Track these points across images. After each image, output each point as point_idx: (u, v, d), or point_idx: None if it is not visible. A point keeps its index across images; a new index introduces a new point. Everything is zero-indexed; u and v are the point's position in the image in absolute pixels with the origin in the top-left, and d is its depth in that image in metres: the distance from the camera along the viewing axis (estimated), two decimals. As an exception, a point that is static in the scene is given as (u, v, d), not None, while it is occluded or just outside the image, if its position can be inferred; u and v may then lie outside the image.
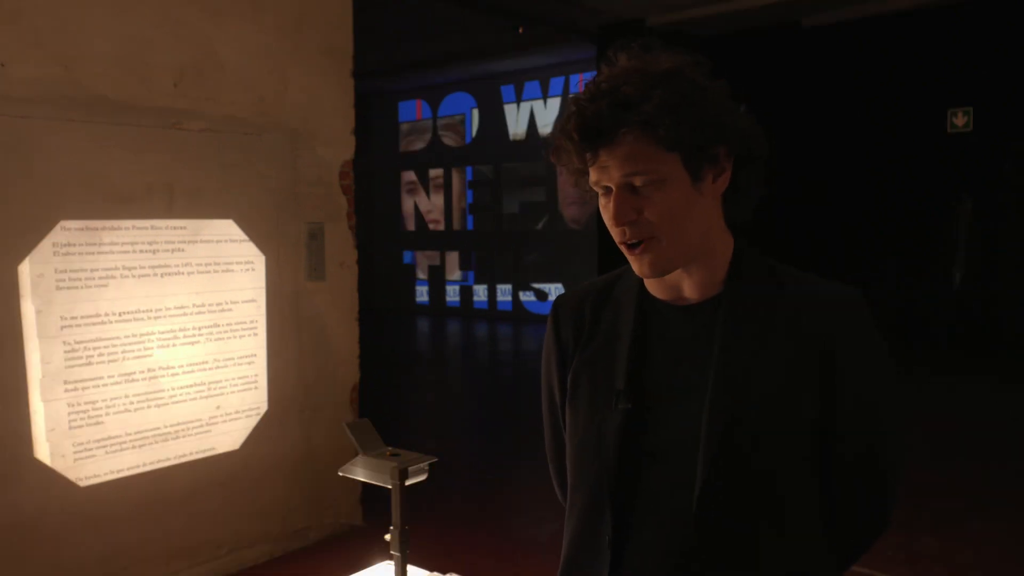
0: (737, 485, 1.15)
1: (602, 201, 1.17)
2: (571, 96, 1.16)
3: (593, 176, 1.15)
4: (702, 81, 1.13)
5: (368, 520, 4.24)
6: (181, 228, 3.50)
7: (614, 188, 1.13)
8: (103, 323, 3.26)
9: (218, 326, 3.63)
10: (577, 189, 1.22)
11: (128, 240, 3.33)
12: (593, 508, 1.24)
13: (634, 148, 1.10)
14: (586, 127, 1.11)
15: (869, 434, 1.20)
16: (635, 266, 1.18)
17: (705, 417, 1.15)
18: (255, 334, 3.77)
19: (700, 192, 1.15)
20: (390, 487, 1.55)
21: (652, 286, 1.25)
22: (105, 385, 3.27)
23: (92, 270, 3.22)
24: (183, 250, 3.50)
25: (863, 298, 1.19)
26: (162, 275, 3.44)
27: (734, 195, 1.20)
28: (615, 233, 1.16)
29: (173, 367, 3.49)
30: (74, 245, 3.17)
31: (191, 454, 3.57)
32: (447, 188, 14.04)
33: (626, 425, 1.20)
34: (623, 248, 1.17)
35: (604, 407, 1.22)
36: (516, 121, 12.91)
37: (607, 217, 1.16)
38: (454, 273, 14.03)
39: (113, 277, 3.28)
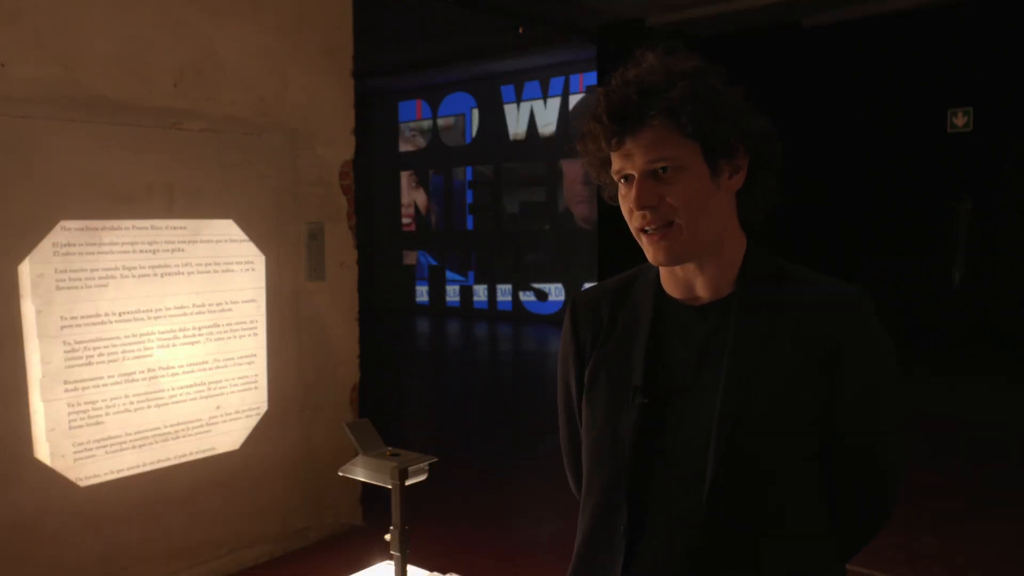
0: (746, 485, 1.16)
1: (622, 191, 1.20)
2: (598, 88, 1.20)
3: (616, 164, 1.19)
4: (722, 83, 1.18)
5: (368, 520, 4.23)
6: (181, 228, 3.50)
7: (636, 175, 1.16)
8: (103, 323, 3.26)
9: (218, 326, 3.63)
10: (599, 182, 1.25)
11: (128, 240, 3.33)
12: (607, 506, 1.25)
13: (658, 134, 1.14)
14: (614, 111, 1.15)
15: (869, 433, 1.21)
16: (650, 253, 1.20)
17: (716, 417, 1.17)
18: (255, 334, 3.77)
19: (718, 187, 1.18)
20: (390, 487, 1.55)
21: (668, 284, 1.27)
22: (105, 385, 3.27)
23: (92, 270, 3.22)
24: (183, 250, 3.50)
25: (869, 298, 1.20)
26: (162, 275, 3.44)
27: (748, 196, 1.23)
28: (634, 220, 1.19)
29: (173, 367, 3.49)
30: (74, 245, 3.17)
31: (191, 454, 3.57)
32: (447, 188, 14.04)
33: (642, 422, 1.21)
34: (641, 237, 1.19)
35: (621, 403, 1.24)
36: (516, 121, 12.91)
37: (627, 205, 1.19)
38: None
39: (113, 277, 3.28)
